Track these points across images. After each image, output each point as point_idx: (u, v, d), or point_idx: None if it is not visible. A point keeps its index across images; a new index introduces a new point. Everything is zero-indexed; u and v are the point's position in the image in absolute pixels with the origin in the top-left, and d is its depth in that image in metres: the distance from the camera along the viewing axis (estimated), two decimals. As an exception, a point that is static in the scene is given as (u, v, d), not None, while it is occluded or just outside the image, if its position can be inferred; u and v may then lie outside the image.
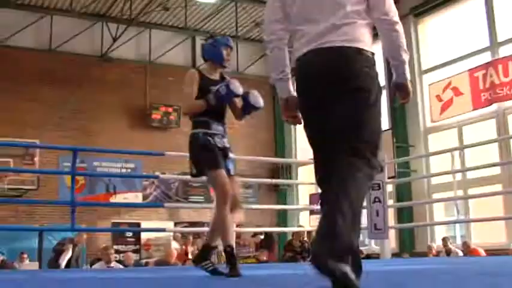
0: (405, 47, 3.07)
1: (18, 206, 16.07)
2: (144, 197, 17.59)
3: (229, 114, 5.32)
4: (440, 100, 14.89)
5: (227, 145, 5.06)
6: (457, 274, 4.42)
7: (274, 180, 18.76)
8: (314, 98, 2.92)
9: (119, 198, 17.08)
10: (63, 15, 17.17)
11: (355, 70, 2.87)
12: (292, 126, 20.55)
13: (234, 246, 4.80)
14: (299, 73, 3.00)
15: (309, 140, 3.06)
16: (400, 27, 3.04)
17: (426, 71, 15.78)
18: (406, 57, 3.07)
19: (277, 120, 20.54)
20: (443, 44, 15.47)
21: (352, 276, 2.43)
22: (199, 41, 19.27)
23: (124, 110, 18.11)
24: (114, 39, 17.41)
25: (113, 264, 11.02)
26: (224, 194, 4.76)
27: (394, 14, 3.02)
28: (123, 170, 17.38)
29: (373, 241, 14.32)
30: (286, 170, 19.80)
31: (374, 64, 2.97)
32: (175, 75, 18.95)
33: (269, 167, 19.80)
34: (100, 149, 15.83)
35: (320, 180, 2.93)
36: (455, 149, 10.01)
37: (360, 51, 2.90)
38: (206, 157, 4.90)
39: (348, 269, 2.43)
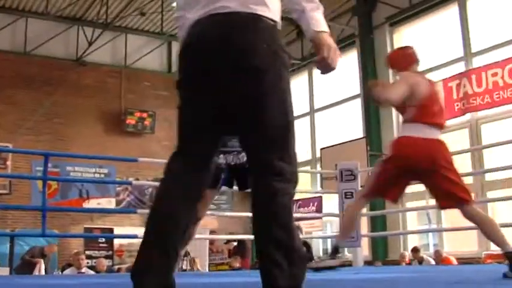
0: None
1: (5, 210, 15.90)
2: (118, 203, 17.48)
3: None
4: (416, 109, 14.97)
5: (243, 161, 4.85)
6: (427, 282, 4.45)
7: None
8: (198, 80, 2.41)
9: (92, 204, 16.95)
10: (39, 18, 17.05)
11: (250, 44, 2.31)
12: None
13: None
14: (183, 49, 2.53)
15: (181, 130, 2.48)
16: None
17: (400, 80, 15.87)
18: (320, 8, 2.49)
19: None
20: (417, 53, 15.56)
21: None
22: (175, 46, 19.42)
23: (99, 114, 18.01)
24: (90, 43, 17.32)
25: (84, 270, 10.95)
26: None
27: None
28: (97, 175, 17.27)
29: (346, 249, 14.35)
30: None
31: (276, 35, 2.42)
32: (151, 80, 18.96)
33: (244, 173, 19.81)
34: (72, 154, 15.78)
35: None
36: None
37: (259, 18, 2.37)
38: None
39: None
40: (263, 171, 2.31)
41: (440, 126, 4.54)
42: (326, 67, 2.55)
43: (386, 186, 4.61)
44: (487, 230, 4.32)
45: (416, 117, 4.50)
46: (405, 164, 4.46)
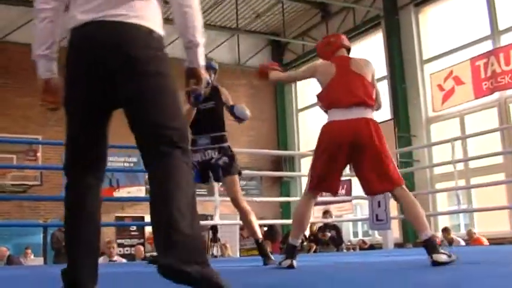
0: (201, 28, 2.75)
1: (22, 201, 16.14)
2: (147, 191, 17.57)
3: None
4: (442, 89, 14.87)
5: (213, 155, 5.55)
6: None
7: (276, 173, 18.80)
8: (92, 80, 2.56)
9: (122, 193, 17.08)
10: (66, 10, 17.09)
11: (147, 53, 2.59)
12: (294, 118, 20.63)
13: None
14: (72, 48, 2.62)
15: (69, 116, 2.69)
16: (196, 5, 2.73)
17: (427, 61, 15.76)
18: (200, 39, 2.76)
19: (280, 112, 20.57)
20: (444, 33, 15.43)
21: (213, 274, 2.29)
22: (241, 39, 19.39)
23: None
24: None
25: (116, 258, 11.06)
26: None
27: None
28: (126, 164, 17.37)
29: (376, 231, 14.34)
30: (289, 162, 19.80)
31: (165, 47, 2.73)
32: (176, 67, 18.93)
33: (272, 159, 19.81)
34: None
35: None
36: (458, 138, 9.99)
37: (152, 32, 2.66)
38: None
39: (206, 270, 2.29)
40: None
41: (358, 105, 4.32)
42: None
43: (322, 179, 4.41)
44: (415, 212, 4.16)
45: (328, 103, 4.48)
46: (329, 151, 4.34)
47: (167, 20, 2.75)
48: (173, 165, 2.49)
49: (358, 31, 17.68)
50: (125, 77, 2.54)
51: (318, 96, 4.62)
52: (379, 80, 16.81)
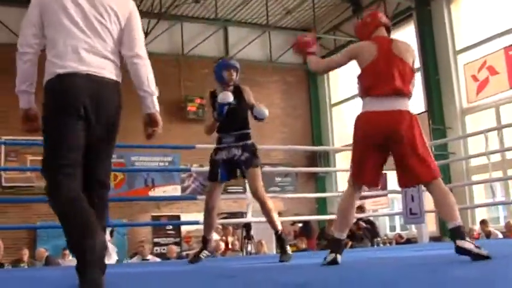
0: (153, 79, 3.51)
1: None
2: (183, 190, 17.66)
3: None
4: (476, 80, 14.70)
5: (236, 153, 5.80)
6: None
7: (311, 169, 18.74)
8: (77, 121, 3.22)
9: (158, 192, 17.19)
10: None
11: (117, 106, 3.45)
12: (328, 113, 20.54)
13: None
14: (61, 90, 3.21)
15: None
16: (147, 62, 3.48)
17: (461, 51, 15.56)
18: (154, 89, 3.51)
19: (313, 107, 20.50)
20: (477, 22, 15.22)
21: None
22: (231, 31, 19.47)
23: (160, 103, 17.73)
24: (146, 34, 17.48)
25: (149, 257, 11.14)
26: (207, 202, 5.98)
27: (141, 49, 3.46)
28: (161, 164, 17.47)
29: (413, 225, 14.22)
30: (323, 157, 19.73)
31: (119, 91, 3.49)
32: (209, 66, 19.02)
33: (306, 154, 19.75)
34: (130, 144, 15.98)
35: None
36: (491, 129, 9.85)
37: (119, 85, 3.41)
38: (209, 170, 5.95)
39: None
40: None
41: (396, 94, 4.20)
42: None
43: (365, 170, 4.33)
44: (448, 202, 4.07)
45: (366, 89, 4.33)
46: (369, 142, 4.26)
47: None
48: None
49: (390, 24, 17.49)
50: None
51: (358, 78, 4.45)
52: (413, 72, 16.71)
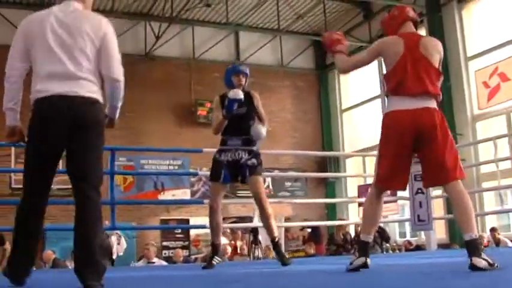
0: (121, 97, 3.88)
1: (68, 205, 16.34)
2: (192, 194, 17.67)
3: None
4: (487, 87, 14.65)
5: (243, 156, 5.92)
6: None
7: (321, 174, 18.72)
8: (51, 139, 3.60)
9: (167, 195, 17.21)
10: (107, 16, 17.21)
11: (96, 120, 3.68)
12: (339, 118, 20.51)
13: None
14: (37, 115, 3.61)
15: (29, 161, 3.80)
16: (122, 84, 3.80)
17: (472, 58, 15.50)
18: (120, 104, 3.92)
19: (324, 112, 20.48)
20: (488, 29, 15.17)
21: None
22: (242, 36, 19.50)
23: (170, 107, 18.25)
24: (158, 38, 17.53)
25: (155, 260, 11.12)
26: (210, 203, 6.07)
27: (118, 71, 3.79)
28: (171, 167, 17.49)
29: (423, 232, 14.16)
30: (333, 163, 19.69)
31: (103, 109, 3.82)
32: (219, 70, 19.00)
33: (316, 160, 19.73)
34: (137, 147, 16.27)
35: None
36: (500, 136, 9.80)
37: (98, 102, 3.71)
38: (211, 170, 6.03)
39: None
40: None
41: (424, 94, 4.10)
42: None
43: (392, 172, 4.20)
44: (467, 211, 3.99)
45: (392, 89, 4.23)
46: (393, 145, 4.16)
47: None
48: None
49: (401, 29, 17.47)
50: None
51: (385, 76, 4.35)
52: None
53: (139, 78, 17.63)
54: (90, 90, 3.67)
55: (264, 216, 5.91)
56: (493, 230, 12.72)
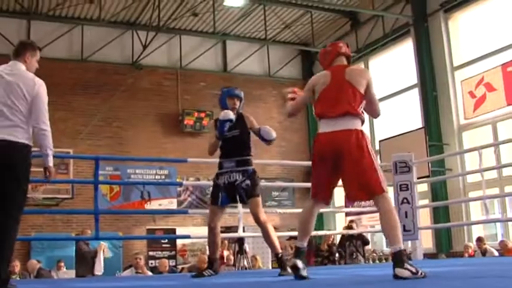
0: (51, 143, 4.83)
1: (54, 214, 16.31)
2: (179, 203, 17.61)
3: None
4: (474, 96, 14.69)
5: (237, 178, 6.10)
6: (458, 277, 4.35)
7: (308, 184, 18.68)
8: None
9: (153, 205, 17.16)
10: (93, 25, 17.30)
11: (25, 163, 4.71)
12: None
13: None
14: None
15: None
16: (49, 132, 4.77)
17: (458, 67, 15.55)
18: (50, 151, 4.81)
19: (311, 122, 20.46)
20: (474, 39, 15.23)
21: None
22: (229, 45, 19.51)
23: (157, 116, 18.21)
24: (145, 47, 17.49)
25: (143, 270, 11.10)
26: (208, 223, 6.23)
27: (45, 122, 4.76)
28: (157, 177, 17.44)
29: (409, 242, 14.16)
30: (320, 172, 19.65)
31: (25, 151, 4.70)
32: (206, 80, 19.06)
33: (304, 169, 19.69)
34: (121, 157, 16.28)
35: None
36: (485, 146, 9.81)
37: (28, 147, 4.70)
38: (211, 193, 6.33)
39: None
40: None
41: (346, 115, 4.46)
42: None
43: (318, 187, 4.65)
44: (391, 223, 4.25)
45: (318, 114, 4.65)
46: (319, 160, 4.55)
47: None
48: None
49: (388, 39, 17.56)
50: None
51: (314, 104, 4.74)
52: (410, 88, 16.72)
53: (126, 87, 17.61)
54: (26, 137, 4.66)
55: (264, 236, 6.17)
56: (479, 240, 12.73)
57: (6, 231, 4.48)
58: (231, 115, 5.99)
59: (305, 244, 4.71)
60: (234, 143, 6.17)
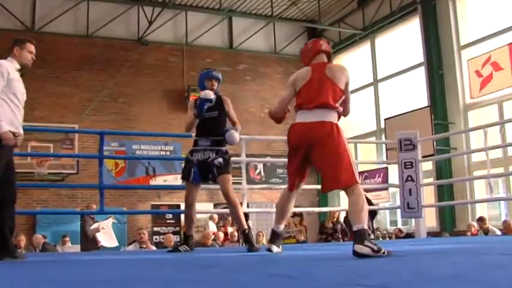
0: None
1: (60, 189, 16.38)
2: (184, 179, 17.62)
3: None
4: (480, 76, 14.64)
5: (210, 155, 6.20)
6: (460, 253, 4.36)
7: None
8: None
9: (158, 181, 17.21)
10: (99, 0, 17.27)
11: None
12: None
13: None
14: None
15: None
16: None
17: (465, 46, 15.49)
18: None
19: (316, 99, 20.42)
20: (482, 18, 15.14)
21: None
22: (236, 22, 19.44)
23: (162, 93, 18.20)
24: (150, 23, 17.45)
25: (146, 245, 11.14)
26: (185, 197, 6.39)
27: None
28: (162, 153, 17.47)
29: (413, 220, 14.20)
30: (325, 150, 19.63)
31: None
32: (212, 56, 19.02)
33: (308, 147, 19.73)
34: (126, 132, 16.30)
35: None
36: (490, 125, 9.78)
37: None
38: (183, 169, 6.44)
39: None
40: None
41: (324, 107, 4.67)
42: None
43: (292, 175, 4.94)
44: (358, 207, 4.41)
45: (296, 105, 4.88)
46: (292, 149, 4.82)
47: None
48: None
49: (395, 17, 17.48)
50: None
51: (295, 97, 4.96)
52: (416, 66, 16.66)
53: (132, 63, 17.60)
54: None
55: (232, 212, 6.44)
56: (480, 219, 12.73)
57: None
58: (211, 95, 6.14)
59: (281, 228, 5.18)
60: (212, 123, 6.29)
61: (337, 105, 4.73)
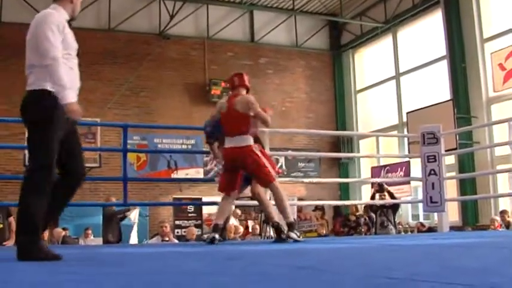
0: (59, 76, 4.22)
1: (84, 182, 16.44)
2: (205, 173, 17.65)
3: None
4: (503, 69, 14.52)
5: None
6: (480, 247, 4.34)
7: (334, 154, 18.68)
8: None
9: (180, 174, 17.27)
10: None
11: (36, 108, 4.17)
12: (353, 99, 20.41)
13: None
14: None
15: None
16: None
17: (488, 39, 15.36)
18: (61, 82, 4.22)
19: (338, 93, 20.39)
20: (505, 10, 15.01)
21: None
22: (257, 15, 19.42)
23: (184, 86, 18.25)
24: (172, 16, 17.49)
25: (169, 238, 11.20)
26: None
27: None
28: (184, 146, 17.50)
29: (436, 214, 14.13)
30: (347, 143, 19.64)
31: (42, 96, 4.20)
32: (234, 50, 19.04)
33: (330, 140, 19.70)
34: (149, 124, 16.36)
35: None
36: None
37: (38, 92, 4.22)
38: None
39: None
40: None
41: (238, 135, 6.35)
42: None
43: (224, 183, 6.58)
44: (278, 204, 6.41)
45: (223, 132, 6.54)
46: (227, 165, 6.54)
47: None
48: None
49: (417, 10, 17.37)
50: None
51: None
52: (439, 59, 16.54)
53: (154, 56, 17.66)
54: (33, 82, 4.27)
55: (272, 204, 6.84)
56: (502, 212, 12.65)
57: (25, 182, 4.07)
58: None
59: (221, 223, 6.45)
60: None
61: (249, 129, 6.35)
